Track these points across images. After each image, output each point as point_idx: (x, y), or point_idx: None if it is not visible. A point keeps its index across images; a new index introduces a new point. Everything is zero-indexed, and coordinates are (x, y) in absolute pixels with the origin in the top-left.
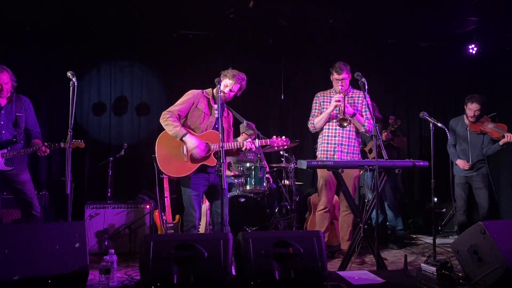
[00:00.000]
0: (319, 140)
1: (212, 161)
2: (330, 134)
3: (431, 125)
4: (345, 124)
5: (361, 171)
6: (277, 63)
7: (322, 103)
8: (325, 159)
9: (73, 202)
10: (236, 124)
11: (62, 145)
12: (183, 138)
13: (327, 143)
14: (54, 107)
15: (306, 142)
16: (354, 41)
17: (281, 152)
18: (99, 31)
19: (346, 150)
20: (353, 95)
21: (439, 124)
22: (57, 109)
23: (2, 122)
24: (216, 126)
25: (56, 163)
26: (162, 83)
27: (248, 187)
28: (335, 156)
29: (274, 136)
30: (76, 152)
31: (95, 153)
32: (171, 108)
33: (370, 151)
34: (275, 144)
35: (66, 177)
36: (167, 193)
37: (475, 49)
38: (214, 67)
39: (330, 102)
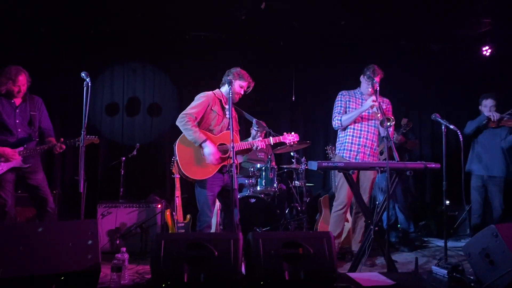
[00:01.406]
0: (342, 139)
1: (230, 161)
2: (355, 135)
3: (443, 127)
4: (389, 124)
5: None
6: (288, 65)
7: (347, 102)
8: (347, 159)
9: (85, 201)
10: (246, 123)
11: (77, 141)
12: (202, 144)
13: (351, 143)
14: (67, 108)
15: (316, 143)
16: (365, 42)
17: (291, 153)
18: (112, 32)
19: (368, 152)
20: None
21: (452, 126)
22: (70, 110)
23: (17, 121)
24: (230, 127)
25: (69, 163)
26: (174, 84)
27: (258, 188)
28: (358, 157)
29: (285, 133)
30: (89, 152)
31: (107, 153)
32: (188, 111)
33: (381, 153)
34: (287, 141)
35: (80, 176)
36: (178, 193)
37: (489, 51)
38: (225, 68)
39: (356, 102)
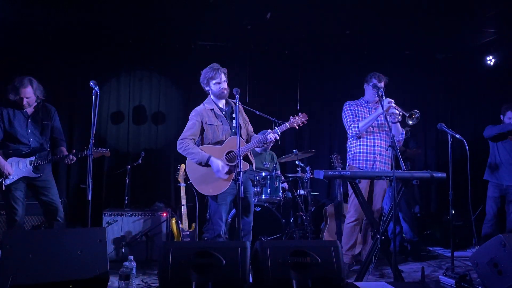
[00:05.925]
0: (354, 149)
1: (243, 166)
2: (369, 144)
3: (449, 136)
4: (414, 118)
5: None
6: (293, 74)
7: (356, 112)
8: (364, 169)
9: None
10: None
11: (87, 152)
12: (209, 162)
13: (366, 153)
14: (73, 115)
15: (321, 152)
16: (370, 52)
17: (296, 162)
18: (118, 41)
19: (383, 160)
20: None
21: (458, 136)
22: (76, 117)
23: (29, 130)
24: (233, 130)
25: (74, 171)
26: (179, 93)
27: (263, 197)
28: (375, 166)
29: (291, 117)
30: (95, 160)
31: (113, 161)
32: (184, 135)
33: None
34: (295, 124)
35: (88, 184)
36: (183, 201)
37: (493, 60)
38: (230, 78)
39: (363, 111)
